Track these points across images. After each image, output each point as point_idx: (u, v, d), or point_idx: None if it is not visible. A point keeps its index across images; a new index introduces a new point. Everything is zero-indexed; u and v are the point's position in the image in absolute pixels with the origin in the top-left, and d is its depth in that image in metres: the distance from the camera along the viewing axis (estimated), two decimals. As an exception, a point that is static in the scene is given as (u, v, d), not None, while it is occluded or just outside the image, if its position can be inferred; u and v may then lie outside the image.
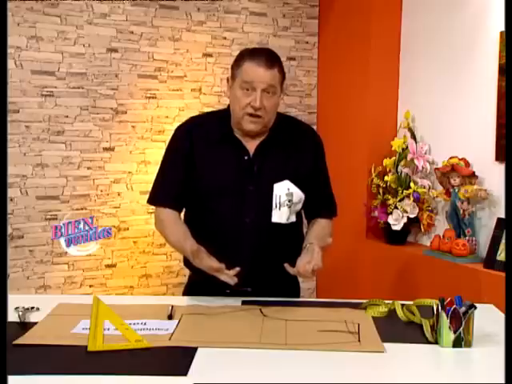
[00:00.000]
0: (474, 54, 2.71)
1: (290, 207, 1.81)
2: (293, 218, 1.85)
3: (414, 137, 3.06)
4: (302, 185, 1.83)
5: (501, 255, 2.46)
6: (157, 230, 1.95)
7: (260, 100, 1.72)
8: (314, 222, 1.94)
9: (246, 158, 1.82)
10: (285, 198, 1.80)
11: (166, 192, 1.89)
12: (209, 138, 1.84)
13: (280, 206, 1.80)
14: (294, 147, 1.85)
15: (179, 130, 1.92)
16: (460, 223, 2.70)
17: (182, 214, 1.94)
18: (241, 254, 1.78)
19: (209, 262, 1.65)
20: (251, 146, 1.82)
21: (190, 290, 1.92)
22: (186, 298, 1.86)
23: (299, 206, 1.86)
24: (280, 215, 1.81)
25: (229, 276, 1.65)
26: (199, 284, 1.87)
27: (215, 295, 1.77)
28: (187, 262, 1.92)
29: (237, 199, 1.79)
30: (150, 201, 1.92)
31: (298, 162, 1.84)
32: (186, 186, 1.85)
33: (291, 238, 1.87)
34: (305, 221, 1.99)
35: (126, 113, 3.27)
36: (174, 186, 1.87)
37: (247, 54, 1.78)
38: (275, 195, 1.79)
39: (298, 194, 1.83)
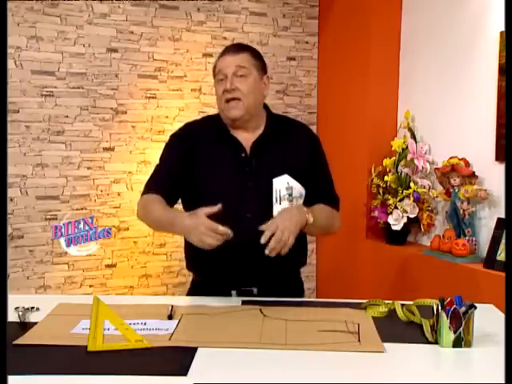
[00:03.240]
0: (473, 53, 2.71)
1: (291, 201, 1.82)
2: None
3: (413, 137, 3.06)
4: (301, 180, 1.84)
5: (501, 255, 2.46)
6: (139, 216, 1.87)
7: (231, 82, 1.77)
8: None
9: (243, 155, 1.84)
10: (285, 192, 1.81)
11: (157, 183, 1.86)
12: (205, 139, 1.86)
13: (280, 200, 1.81)
14: (289, 142, 1.87)
15: (174, 136, 1.94)
16: (460, 223, 2.70)
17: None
18: (244, 251, 1.78)
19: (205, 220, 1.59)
20: (247, 143, 1.84)
21: (195, 292, 1.91)
22: (185, 297, 1.86)
23: (301, 201, 1.85)
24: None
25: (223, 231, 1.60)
26: (203, 285, 1.88)
27: (220, 296, 1.77)
28: (190, 265, 1.93)
29: (237, 196, 1.80)
30: (142, 193, 1.87)
31: (294, 156, 1.86)
32: (179, 180, 1.83)
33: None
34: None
35: (126, 113, 3.27)
36: (167, 179, 1.85)
37: (219, 54, 1.88)
38: (275, 189, 1.80)
39: (299, 189, 1.83)
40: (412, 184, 2.97)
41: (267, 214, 1.79)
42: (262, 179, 1.81)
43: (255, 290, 1.83)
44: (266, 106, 1.93)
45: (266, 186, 1.80)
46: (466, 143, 2.76)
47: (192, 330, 1.52)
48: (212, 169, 1.83)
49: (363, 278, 3.25)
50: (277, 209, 1.80)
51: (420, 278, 2.81)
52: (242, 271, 1.81)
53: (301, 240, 1.91)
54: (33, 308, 1.63)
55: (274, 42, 3.58)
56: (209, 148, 1.85)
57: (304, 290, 2.01)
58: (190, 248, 1.93)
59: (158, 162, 1.93)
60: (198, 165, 1.84)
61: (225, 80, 1.79)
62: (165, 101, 3.36)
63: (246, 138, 1.85)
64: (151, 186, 1.85)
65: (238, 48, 1.85)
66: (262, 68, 1.86)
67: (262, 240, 1.60)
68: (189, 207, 1.87)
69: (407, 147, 3.03)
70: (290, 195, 1.82)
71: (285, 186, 1.81)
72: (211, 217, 1.78)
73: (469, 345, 1.40)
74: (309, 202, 1.90)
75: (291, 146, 1.86)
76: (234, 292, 1.82)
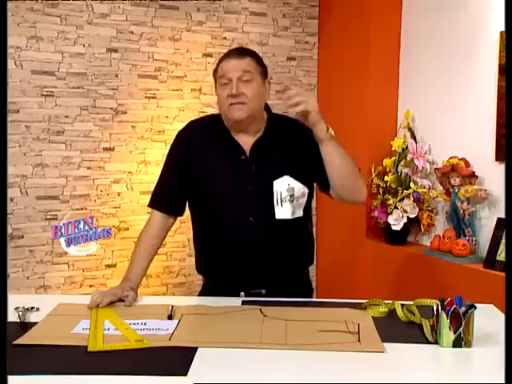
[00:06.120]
0: (473, 53, 2.71)
1: (292, 202, 1.81)
2: (299, 213, 1.84)
3: (413, 137, 3.06)
4: (304, 178, 1.83)
5: (501, 255, 2.46)
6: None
7: (236, 87, 1.75)
8: None
9: (242, 157, 1.83)
10: (286, 194, 1.80)
11: (159, 196, 1.93)
12: (206, 140, 1.86)
13: (282, 202, 1.80)
14: (289, 143, 1.85)
15: (178, 135, 1.94)
16: (460, 223, 2.70)
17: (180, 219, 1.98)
18: (249, 254, 1.80)
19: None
20: (247, 145, 1.83)
21: (205, 295, 1.92)
22: (186, 298, 1.87)
23: (303, 200, 1.85)
24: (283, 211, 1.81)
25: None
26: (213, 289, 1.88)
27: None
28: (200, 268, 1.95)
29: (238, 200, 1.80)
30: (148, 204, 1.96)
31: (296, 156, 1.83)
32: (181, 191, 1.88)
33: (298, 235, 1.88)
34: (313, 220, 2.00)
35: (126, 113, 3.27)
36: (169, 190, 1.90)
37: (221, 57, 1.85)
38: (276, 192, 1.80)
39: (300, 188, 1.82)
40: (412, 184, 2.97)
41: (270, 217, 1.80)
42: (261, 182, 1.80)
43: (263, 292, 1.83)
44: (266, 106, 1.92)
45: (267, 188, 1.80)
46: (466, 143, 2.76)
47: (192, 330, 1.52)
48: (211, 172, 1.83)
49: (363, 277, 3.25)
50: (279, 211, 1.80)
51: (420, 278, 2.80)
52: (250, 274, 1.81)
53: (306, 239, 1.93)
54: (33, 308, 1.63)
55: (274, 42, 3.58)
56: (209, 150, 1.84)
57: (313, 289, 2.01)
58: (199, 252, 1.94)
59: (163, 165, 1.95)
60: (197, 168, 1.84)
61: (229, 84, 1.76)
62: (165, 101, 3.36)
63: (247, 141, 1.84)
64: (157, 201, 1.92)
65: (242, 52, 1.83)
66: (264, 73, 1.85)
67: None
68: (192, 210, 1.93)
69: (407, 147, 3.03)
70: (292, 196, 1.81)
71: (286, 188, 1.80)
72: (218, 221, 1.81)
73: (469, 345, 1.40)
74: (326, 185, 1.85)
75: (291, 146, 1.85)
76: (242, 294, 1.82)
